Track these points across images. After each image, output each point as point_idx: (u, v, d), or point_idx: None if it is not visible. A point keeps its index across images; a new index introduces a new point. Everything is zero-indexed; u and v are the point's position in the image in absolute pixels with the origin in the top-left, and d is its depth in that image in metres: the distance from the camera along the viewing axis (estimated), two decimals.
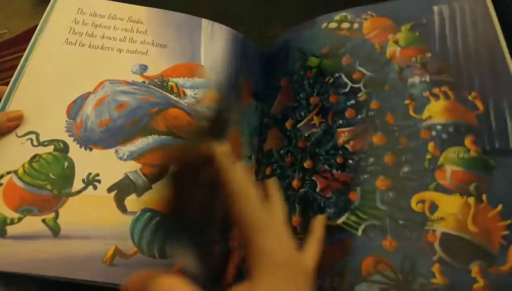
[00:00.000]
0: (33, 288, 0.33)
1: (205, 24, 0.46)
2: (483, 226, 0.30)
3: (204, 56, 0.45)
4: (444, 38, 0.39)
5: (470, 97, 0.35)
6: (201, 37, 0.45)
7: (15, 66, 0.39)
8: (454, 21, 0.39)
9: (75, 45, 0.42)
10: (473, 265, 0.29)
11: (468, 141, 0.33)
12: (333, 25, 0.44)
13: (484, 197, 0.31)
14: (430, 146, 0.34)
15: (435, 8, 0.41)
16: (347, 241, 0.33)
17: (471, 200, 0.31)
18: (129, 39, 0.44)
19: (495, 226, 0.30)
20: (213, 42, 0.45)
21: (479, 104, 0.35)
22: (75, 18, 0.44)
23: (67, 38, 0.42)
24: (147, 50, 0.43)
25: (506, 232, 0.29)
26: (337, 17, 0.45)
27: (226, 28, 0.46)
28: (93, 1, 0.45)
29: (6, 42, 0.53)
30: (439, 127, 0.35)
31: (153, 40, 0.44)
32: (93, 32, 0.43)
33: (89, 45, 0.42)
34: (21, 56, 0.40)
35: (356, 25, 0.44)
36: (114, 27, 0.44)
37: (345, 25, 0.44)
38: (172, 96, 0.41)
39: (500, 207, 0.30)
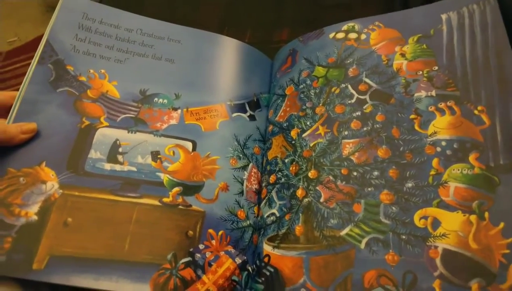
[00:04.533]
0: None
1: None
2: (484, 244, 0.30)
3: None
4: (452, 48, 0.39)
5: (476, 112, 0.35)
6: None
7: (25, 73, 0.39)
8: (463, 29, 0.39)
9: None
10: (473, 282, 0.29)
11: (472, 158, 0.34)
12: (340, 35, 0.44)
13: (486, 214, 0.31)
14: (435, 162, 0.34)
15: (443, 17, 0.40)
16: (350, 253, 0.34)
17: (473, 218, 0.31)
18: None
19: (496, 244, 0.30)
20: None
21: (485, 118, 0.35)
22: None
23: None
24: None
25: (507, 251, 0.30)
26: (345, 27, 0.44)
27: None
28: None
29: (17, 50, 0.52)
30: (443, 143, 0.35)
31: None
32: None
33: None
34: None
35: (363, 36, 0.43)
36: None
37: (353, 35, 0.44)
38: None
39: (502, 225, 0.31)
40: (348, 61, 0.43)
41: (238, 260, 0.37)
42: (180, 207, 0.38)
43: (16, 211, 0.34)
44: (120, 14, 0.45)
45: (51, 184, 0.35)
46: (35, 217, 0.34)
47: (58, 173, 0.36)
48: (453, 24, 0.40)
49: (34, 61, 0.40)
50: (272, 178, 0.41)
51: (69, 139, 0.38)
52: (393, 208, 0.34)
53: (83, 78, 0.41)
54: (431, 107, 0.37)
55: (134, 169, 0.38)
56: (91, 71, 0.42)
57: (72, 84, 0.40)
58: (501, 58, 0.36)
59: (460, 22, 0.39)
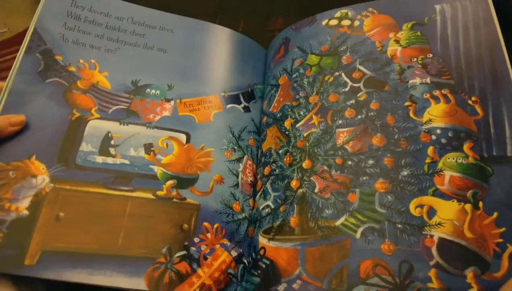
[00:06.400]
0: (41, 288, 0.33)
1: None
2: (479, 233, 0.31)
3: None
4: (446, 38, 0.39)
5: (470, 102, 0.35)
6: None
7: None
8: (456, 21, 0.39)
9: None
10: (468, 270, 0.30)
11: (466, 147, 0.34)
12: (333, 22, 0.44)
13: (480, 204, 0.31)
14: (430, 150, 0.34)
15: (437, 7, 0.40)
16: (345, 243, 0.33)
17: (468, 207, 0.32)
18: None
19: (489, 233, 0.30)
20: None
21: (479, 109, 0.35)
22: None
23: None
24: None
25: (500, 240, 0.30)
26: (337, 14, 0.44)
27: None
28: None
29: (6, 41, 0.51)
30: (438, 131, 0.35)
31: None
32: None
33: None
34: None
35: (357, 22, 0.43)
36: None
37: (346, 22, 0.43)
38: None
39: (495, 214, 0.31)
40: (342, 49, 0.42)
41: (234, 253, 0.36)
42: (175, 200, 0.37)
43: (6, 206, 0.33)
44: (110, 1, 0.44)
45: (42, 178, 0.35)
46: (26, 212, 0.33)
47: (48, 167, 0.35)
48: (447, 15, 0.40)
49: (22, 51, 0.38)
50: (266, 170, 0.41)
51: (60, 131, 0.37)
52: (389, 197, 0.34)
53: (72, 69, 0.40)
54: (426, 95, 0.37)
55: (126, 161, 0.38)
56: (81, 61, 0.41)
57: (61, 75, 0.39)
58: (493, 53, 0.36)
59: (453, 15, 0.39)
